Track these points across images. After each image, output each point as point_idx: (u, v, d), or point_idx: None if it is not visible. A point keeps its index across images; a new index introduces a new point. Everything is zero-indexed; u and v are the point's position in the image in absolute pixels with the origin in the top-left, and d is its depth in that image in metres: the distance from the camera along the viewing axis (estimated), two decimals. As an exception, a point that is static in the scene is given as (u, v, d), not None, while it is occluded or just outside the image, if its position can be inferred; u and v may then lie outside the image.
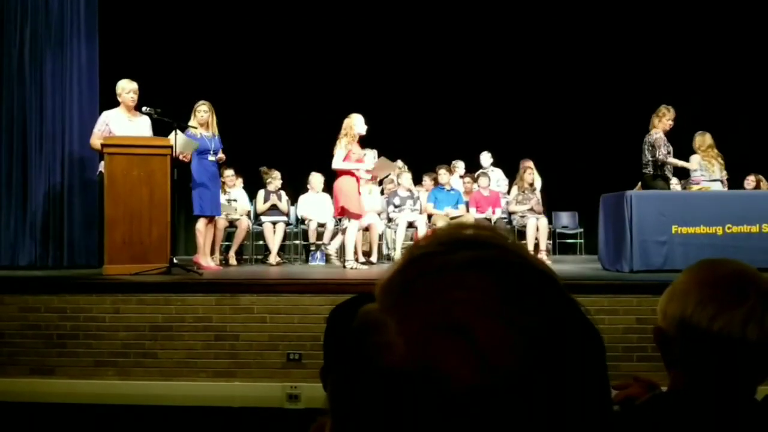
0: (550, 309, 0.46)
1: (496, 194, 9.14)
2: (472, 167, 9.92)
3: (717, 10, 10.38)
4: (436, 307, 0.45)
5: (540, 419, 0.43)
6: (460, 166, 9.86)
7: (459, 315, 0.44)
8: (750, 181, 8.93)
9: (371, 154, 7.69)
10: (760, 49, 10.37)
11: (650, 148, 7.06)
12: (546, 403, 0.43)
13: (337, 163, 7.07)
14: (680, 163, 7.21)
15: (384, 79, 10.57)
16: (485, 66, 10.66)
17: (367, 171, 7.32)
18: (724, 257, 1.23)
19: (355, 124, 7.11)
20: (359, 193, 7.29)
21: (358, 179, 7.17)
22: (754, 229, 6.33)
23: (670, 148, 7.04)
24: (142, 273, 5.78)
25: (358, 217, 7.17)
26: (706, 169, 7.57)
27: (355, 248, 7.45)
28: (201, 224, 6.88)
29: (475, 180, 9.42)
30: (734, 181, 8.77)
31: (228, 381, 5.02)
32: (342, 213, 7.17)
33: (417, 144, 9.87)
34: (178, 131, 6.42)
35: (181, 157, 6.58)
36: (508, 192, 9.47)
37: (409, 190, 8.84)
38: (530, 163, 9.00)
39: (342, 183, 7.11)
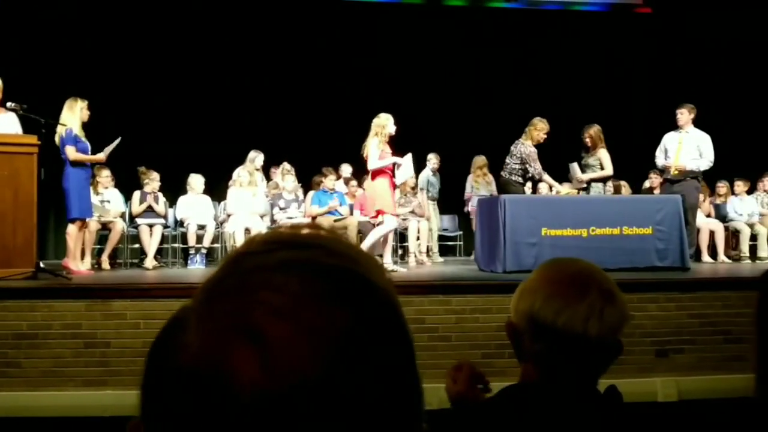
0: (355, 312, 0.45)
1: (381, 198, 9.25)
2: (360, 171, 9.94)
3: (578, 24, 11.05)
4: (236, 307, 0.44)
5: (338, 423, 0.42)
6: (345, 170, 9.91)
7: (256, 316, 0.43)
8: (609, 188, 9.48)
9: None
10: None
11: (519, 158, 7.26)
12: (345, 407, 0.43)
13: (373, 164, 6.87)
14: (553, 183, 7.56)
15: (265, 79, 10.48)
16: (369, 71, 10.79)
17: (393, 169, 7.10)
18: (574, 257, 1.33)
19: (386, 123, 6.96)
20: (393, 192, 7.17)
21: (392, 179, 7.01)
22: (615, 231, 6.74)
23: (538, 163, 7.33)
24: (6, 278, 5.44)
25: (395, 215, 7.08)
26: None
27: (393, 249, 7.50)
28: (73, 227, 6.55)
29: (361, 183, 9.49)
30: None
31: (99, 390, 4.81)
32: (378, 214, 7.03)
33: (304, 146, 9.83)
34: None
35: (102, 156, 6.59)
36: None
37: (294, 193, 8.82)
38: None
39: (377, 184, 6.96)
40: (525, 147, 7.27)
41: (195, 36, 10.28)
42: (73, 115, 6.49)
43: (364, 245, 7.05)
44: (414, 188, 9.18)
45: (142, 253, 8.18)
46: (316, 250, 0.48)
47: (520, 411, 1.18)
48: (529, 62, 10.92)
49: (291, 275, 0.45)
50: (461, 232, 10.43)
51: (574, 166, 7.59)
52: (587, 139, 7.49)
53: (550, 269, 1.24)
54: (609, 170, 7.39)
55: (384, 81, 10.79)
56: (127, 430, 0.50)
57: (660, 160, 8.00)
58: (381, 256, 7.98)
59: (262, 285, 0.45)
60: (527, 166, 7.23)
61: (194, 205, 8.49)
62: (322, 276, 0.46)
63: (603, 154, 7.37)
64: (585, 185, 7.50)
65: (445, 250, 10.63)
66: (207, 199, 8.68)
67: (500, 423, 1.19)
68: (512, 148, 7.39)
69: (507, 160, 7.40)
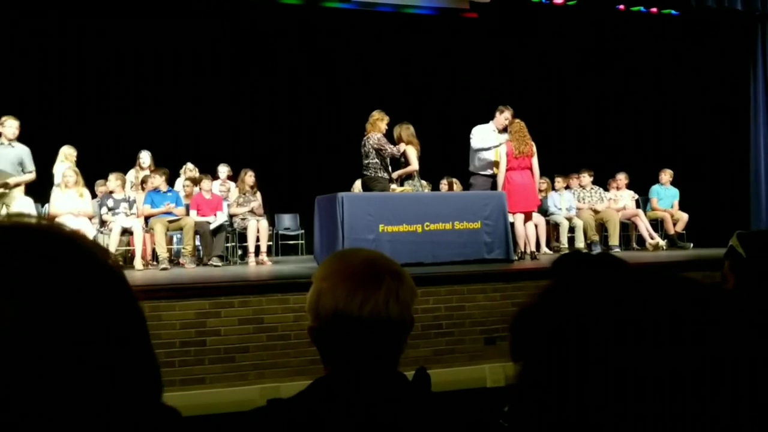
0: (26, 304, 0.44)
1: (219, 198, 9.08)
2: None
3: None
4: None
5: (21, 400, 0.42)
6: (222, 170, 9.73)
7: None
8: (443, 185, 9.89)
9: None
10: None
11: (374, 151, 7.25)
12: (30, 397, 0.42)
13: None
14: (399, 147, 7.53)
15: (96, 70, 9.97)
16: (207, 68, 10.56)
17: None
18: (362, 248, 1.39)
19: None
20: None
21: None
22: (448, 226, 7.01)
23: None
24: None
25: None
26: None
27: None
28: None
29: (197, 183, 9.23)
30: (435, 184, 9.73)
31: None
32: None
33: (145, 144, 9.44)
34: None
35: None
36: None
37: (125, 193, 8.42)
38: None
39: None
40: (372, 138, 7.30)
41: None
42: None
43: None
44: (253, 187, 9.08)
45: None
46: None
47: (328, 402, 1.21)
48: (362, 61, 11.14)
49: None
50: (302, 231, 10.45)
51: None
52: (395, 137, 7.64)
53: (337, 266, 1.28)
54: (413, 165, 7.51)
55: (219, 77, 10.62)
56: None
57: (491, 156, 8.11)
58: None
59: None
60: (383, 153, 7.26)
61: (11, 208, 7.85)
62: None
63: (409, 151, 7.54)
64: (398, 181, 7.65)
65: (288, 250, 10.61)
66: (28, 201, 8.06)
67: (307, 416, 1.21)
68: (363, 150, 7.38)
69: (365, 162, 7.35)
